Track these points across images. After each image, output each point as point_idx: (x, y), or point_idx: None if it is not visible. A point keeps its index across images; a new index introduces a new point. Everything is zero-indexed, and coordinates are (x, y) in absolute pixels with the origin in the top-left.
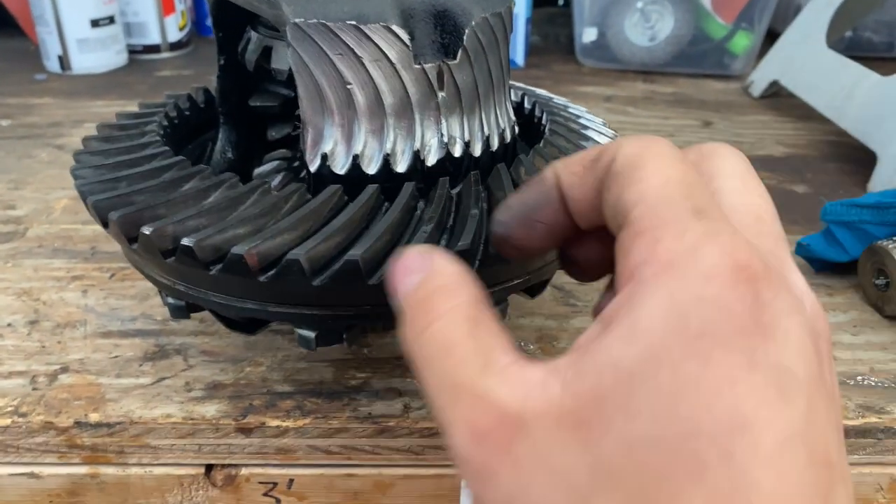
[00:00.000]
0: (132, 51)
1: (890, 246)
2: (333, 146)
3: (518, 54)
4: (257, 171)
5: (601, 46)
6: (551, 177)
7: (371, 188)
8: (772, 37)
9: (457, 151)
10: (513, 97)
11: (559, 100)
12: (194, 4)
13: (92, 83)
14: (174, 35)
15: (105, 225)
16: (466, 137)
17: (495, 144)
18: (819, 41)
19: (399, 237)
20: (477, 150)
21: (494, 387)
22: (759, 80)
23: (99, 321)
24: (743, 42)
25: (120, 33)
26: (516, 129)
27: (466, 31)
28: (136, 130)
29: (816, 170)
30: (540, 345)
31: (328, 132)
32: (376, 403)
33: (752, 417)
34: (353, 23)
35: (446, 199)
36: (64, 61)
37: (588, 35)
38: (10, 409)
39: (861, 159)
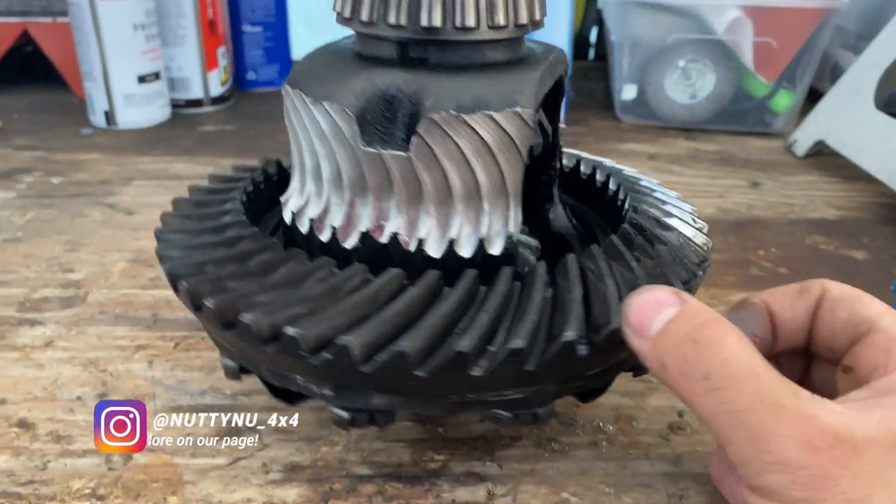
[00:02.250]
0: (175, 105)
1: None
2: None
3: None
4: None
5: (641, 103)
6: (760, 303)
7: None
8: (812, 95)
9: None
10: (583, 168)
11: (629, 171)
12: (235, 59)
13: (137, 138)
14: (216, 90)
15: (198, 309)
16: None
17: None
18: (867, 102)
19: (453, 325)
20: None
21: (819, 412)
22: (803, 139)
23: (168, 395)
24: (784, 101)
25: (164, 88)
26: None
27: (421, 124)
28: (215, 208)
29: (873, 234)
30: (619, 425)
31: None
32: (459, 490)
33: None
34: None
35: (510, 289)
36: (110, 116)
37: (627, 92)
38: (87, 491)
39: None
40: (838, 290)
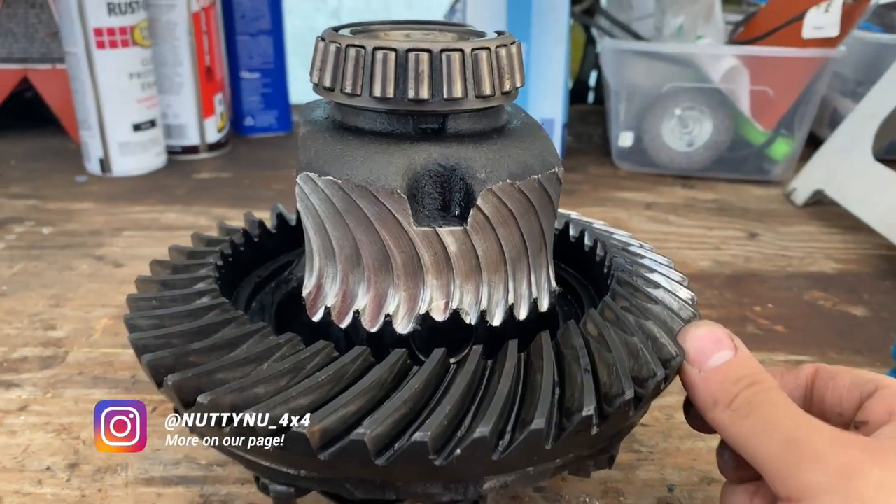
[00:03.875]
0: (171, 151)
1: None
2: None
3: None
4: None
5: (638, 151)
6: (812, 373)
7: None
8: (811, 140)
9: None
10: (572, 231)
11: (620, 234)
12: (233, 105)
13: (132, 186)
14: (213, 136)
15: (159, 385)
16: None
17: (533, 308)
18: (865, 152)
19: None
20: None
21: (844, 436)
22: (802, 188)
23: (141, 465)
24: (783, 148)
25: (160, 136)
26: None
27: (479, 196)
28: (189, 275)
29: (873, 289)
30: (606, 500)
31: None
32: None
33: None
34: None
35: (518, 364)
36: (105, 164)
37: (624, 139)
38: None
39: None
40: (829, 367)
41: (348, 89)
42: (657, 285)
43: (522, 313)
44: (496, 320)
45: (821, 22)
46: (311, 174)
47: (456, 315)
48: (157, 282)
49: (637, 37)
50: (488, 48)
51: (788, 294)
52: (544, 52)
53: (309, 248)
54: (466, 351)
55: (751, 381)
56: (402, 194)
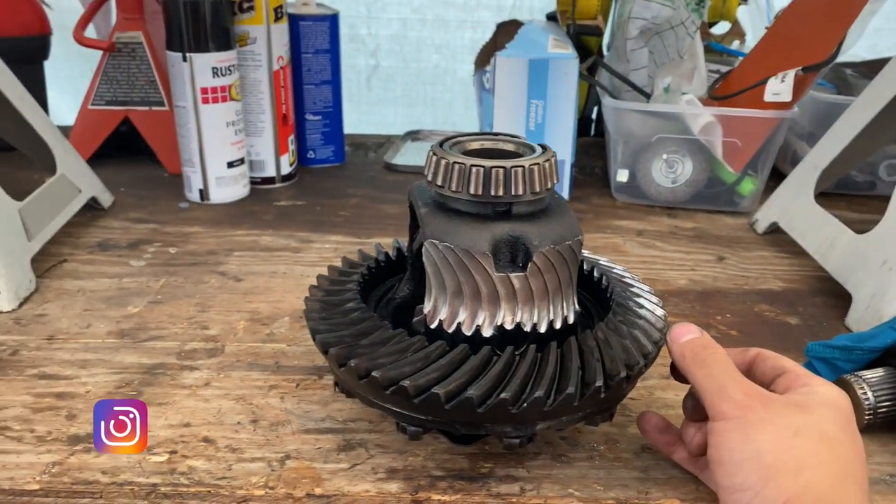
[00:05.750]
0: (252, 182)
1: (852, 379)
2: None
3: (564, 191)
4: (415, 319)
5: (632, 186)
6: (754, 354)
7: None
8: (776, 175)
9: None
10: (584, 266)
11: (618, 268)
12: (298, 140)
13: (227, 212)
14: (286, 169)
15: (325, 353)
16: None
17: (564, 322)
18: (808, 195)
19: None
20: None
21: (751, 388)
22: (763, 219)
23: (299, 421)
24: (749, 186)
25: (247, 170)
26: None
27: (534, 255)
28: (341, 287)
29: (806, 304)
30: (607, 446)
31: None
32: (501, 486)
33: None
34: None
35: (538, 357)
36: (203, 193)
37: (621, 176)
38: (261, 483)
39: (841, 294)
40: (766, 352)
41: (453, 188)
42: (642, 306)
43: (557, 325)
44: (542, 329)
45: (777, 89)
46: (434, 241)
47: (518, 326)
48: (320, 290)
49: (633, 86)
50: (538, 163)
51: (743, 307)
52: (557, 106)
53: (428, 283)
54: (524, 347)
55: (706, 346)
56: (488, 254)
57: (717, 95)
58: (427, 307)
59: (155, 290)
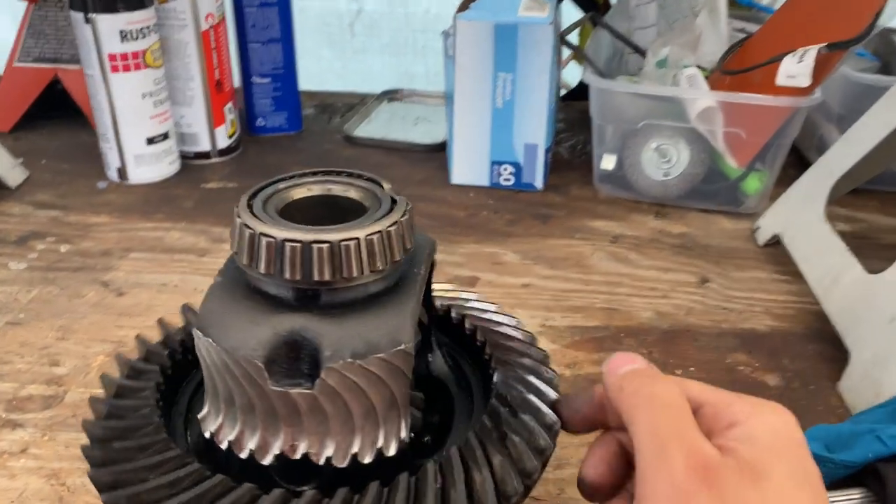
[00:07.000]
0: (185, 156)
1: None
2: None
3: (537, 180)
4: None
5: (618, 176)
6: (595, 390)
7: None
8: (800, 162)
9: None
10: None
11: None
12: (246, 107)
13: (145, 195)
14: (223, 142)
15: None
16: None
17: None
18: (818, 209)
19: None
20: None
21: (704, 445)
22: (765, 228)
23: None
24: (755, 184)
25: (173, 145)
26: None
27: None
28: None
29: (795, 354)
30: None
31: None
32: None
33: None
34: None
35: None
36: (122, 172)
37: (606, 162)
38: None
39: (841, 345)
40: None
41: (244, 260)
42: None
43: (367, 459)
44: (341, 464)
45: (793, 71)
46: (199, 332)
47: (306, 457)
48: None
49: (634, 48)
50: (357, 238)
51: (713, 356)
52: (528, 82)
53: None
54: (307, 488)
55: (654, 379)
56: (260, 364)
57: (727, 70)
58: (203, 412)
59: (22, 304)
